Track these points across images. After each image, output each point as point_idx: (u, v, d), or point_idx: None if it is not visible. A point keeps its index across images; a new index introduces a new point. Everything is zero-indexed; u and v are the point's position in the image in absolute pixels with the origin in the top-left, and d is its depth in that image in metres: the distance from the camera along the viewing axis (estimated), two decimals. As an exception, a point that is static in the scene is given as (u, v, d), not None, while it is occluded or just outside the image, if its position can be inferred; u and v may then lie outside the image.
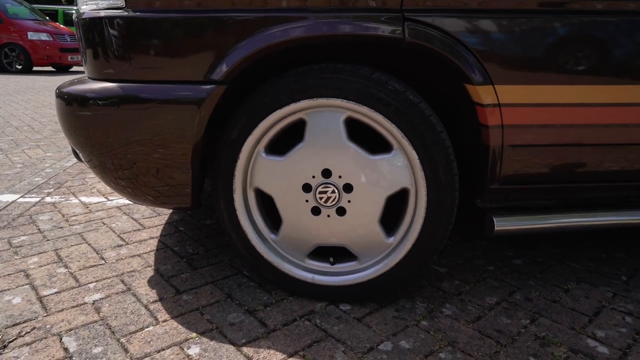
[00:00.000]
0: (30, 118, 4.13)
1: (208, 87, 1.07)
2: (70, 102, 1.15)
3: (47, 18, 11.56)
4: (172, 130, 1.10)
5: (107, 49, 1.08)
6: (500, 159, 1.17)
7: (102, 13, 1.08)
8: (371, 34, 1.05)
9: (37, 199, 1.99)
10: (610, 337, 1.14)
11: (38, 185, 2.18)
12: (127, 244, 1.58)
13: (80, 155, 1.24)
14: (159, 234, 1.67)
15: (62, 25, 11.68)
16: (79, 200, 2.00)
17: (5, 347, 1.02)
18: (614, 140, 1.18)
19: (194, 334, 1.09)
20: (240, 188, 1.21)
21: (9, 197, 2.00)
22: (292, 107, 1.12)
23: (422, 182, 1.12)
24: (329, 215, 1.19)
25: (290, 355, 1.03)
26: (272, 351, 1.04)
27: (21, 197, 2.01)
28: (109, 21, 1.06)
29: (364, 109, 1.09)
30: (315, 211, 1.19)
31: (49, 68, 11.13)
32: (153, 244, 1.59)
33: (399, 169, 1.13)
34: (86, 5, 1.13)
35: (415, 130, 1.08)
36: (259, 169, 1.20)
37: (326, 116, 1.13)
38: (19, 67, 10.02)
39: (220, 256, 1.51)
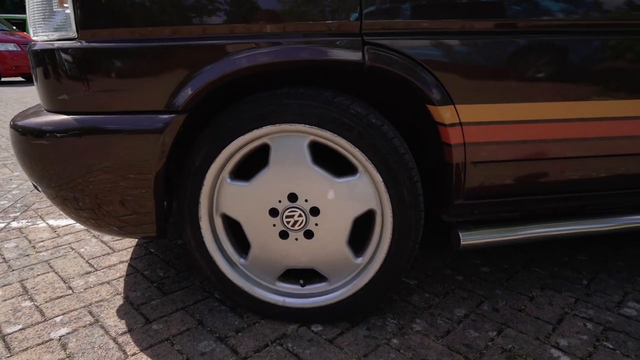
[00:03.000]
0: (-4, 135, 4.02)
1: (167, 116, 1.06)
2: (25, 135, 1.12)
3: (14, 28, 11.27)
4: (133, 161, 1.09)
5: (61, 80, 1.06)
6: (464, 175, 1.20)
7: (55, 44, 1.05)
8: (331, 58, 1.05)
9: (3, 225, 1.94)
10: (572, 345, 1.18)
11: (4, 209, 2.12)
12: (96, 270, 1.55)
13: (39, 187, 1.22)
14: (129, 257, 1.64)
15: (29, 35, 11.37)
16: (47, 223, 1.95)
17: (-34, 392, 1.00)
18: (572, 154, 1.21)
19: (164, 366, 1.09)
20: (206, 215, 1.20)
21: (-28, 224, 1.94)
22: (255, 133, 1.11)
23: (387, 203, 1.13)
24: (297, 239, 1.19)
25: (261, 384, 1.03)
26: (242, 380, 1.05)
27: (-14, 223, 1.96)
28: (62, 52, 1.04)
29: (327, 134, 1.09)
30: (283, 235, 1.19)
31: (19, 78, 10.83)
32: (123, 268, 1.56)
33: (364, 191, 1.14)
34: (37, 36, 1.11)
35: (379, 153, 1.09)
36: (224, 195, 1.20)
37: (290, 141, 1.13)
38: (-14, 78, 9.73)
39: (192, 279, 1.50)
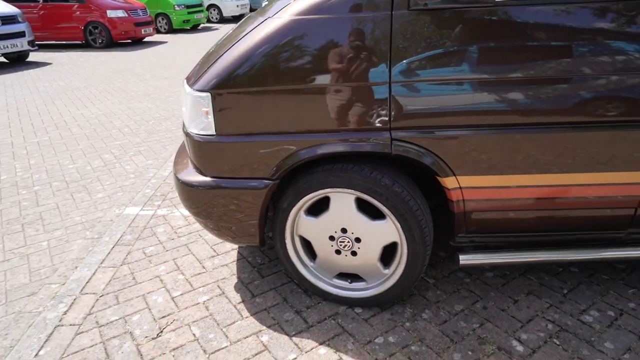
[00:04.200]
0: (126, 116, 5.03)
1: (268, 181, 1.73)
2: (185, 185, 1.86)
3: (120, -7, 12.49)
4: (249, 205, 1.78)
5: (205, 157, 1.76)
6: (463, 220, 1.76)
7: (202, 138, 1.74)
8: (370, 150, 1.64)
9: (152, 212, 2.81)
10: (529, 339, 1.74)
11: (150, 197, 3.00)
12: (218, 254, 2.35)
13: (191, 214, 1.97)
14: (237, 247, 2.42)
15: (134, 0, 12.58)
16: (180, 212, 2.79)
17: (162, 332, 1.82)
18: (537, 207, 1.71)
19: (264, 327, 1.84)
20: (289, 236, 1.89)
21: (133, 210, 2.84)
22: (320, 192, 1.75)
23: (404, 240, 1.74)
24: (346, 255, 1.85)
25: (321, 344, 1.75)
26: (310, 341, 1.76)
27: (141, 209, 2.84)
28: (206, 143, 1.73)
29: (365, 196, 1.70)
30: (337, 252, 1.86)
31: (127, 41, 12.13)
32: (234, 254, 2.34)
33: (390, 230, 1.75)
34: (191, 128, 1.80)
35: (398, 210, 1.69)
36: (301, 224, 1.87)
37: (343, 196, 1.76)
38: (101, 43, 11.14)
39: (279, 266, 2.23)
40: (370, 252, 1.82)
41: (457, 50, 1.50)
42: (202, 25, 15.87)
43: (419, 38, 1.50)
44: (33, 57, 10.00)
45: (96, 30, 11.05)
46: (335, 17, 1.53)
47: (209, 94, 1.66)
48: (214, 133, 1.72)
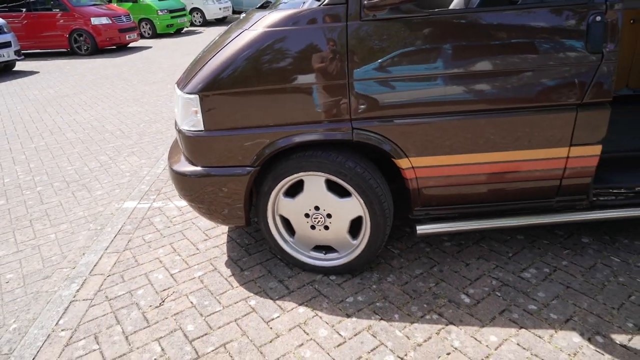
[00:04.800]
0: (118, 120, 5.28)
1: (251, 168, 2.03)
2: (179, 175, 2.15)
3: (104, 0, 12.66)
4: (234, 189, 2.08)
5: (196, 150, 2.06)
6: (418, 195, 2.08)
7: (192, 133, 2.04)
8: (336, 138, 1.95)
9: (148, 205, 3.09)
10: (475, 293, 2.07)
11: (145, 192, 3.28)
12: (210, 238, 2.64)
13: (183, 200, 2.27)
14: (226, 229, 2.71)
15: (116, 6, 12.75)
16: (174, 204, 3.08)
17: (163, 301, 2.12)
18: (481, 181, 2.04)
19: (252, 294, 2.14)
20: (271, 215, 2.20)
21: (130, 204, 3.12)
22: (295, 175, 2.06)
23: (367, 214, 2.05)
24: (320, 230, 2.16)
25: (300, 305, 2.06)
26: (291, 303, 2.07)
27: (138, 203, 3.13)
28: (197, 138, 2.02)
29: (333, 177, 2.01)
30: (312, 227, 2.17)
31: (112, 47, 12.27)
32: (224, 237, 2.64)
33: (355, 205, 2.06)
34: (183, 125, 2.09)
35: (360, 188, 2.00)
36: (280, 205, 2.17)
37: (315, 179, 2.07)
38: (87, 50, 11.31)
39: (264, 245, 2.54)
40: (340, 226, 2.13)
41: (402, 52, 1.82)
42: (185, 29, 16.07)
43: (370, 43, 1.82)
44: (20, 66, 10.16)
45: (81, 38, 11.22)
46: (301, 28, 1.83)
47: (197, 96, 1.96)
48: (203, 129, 2.01)
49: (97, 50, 11.39)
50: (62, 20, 11.15)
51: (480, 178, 2.05)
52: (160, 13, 14.21)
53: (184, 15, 15.19)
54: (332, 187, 2.09)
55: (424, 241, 2.50)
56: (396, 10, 1.79)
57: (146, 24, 14.38)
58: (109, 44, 11.51)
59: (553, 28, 1.82)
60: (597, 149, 1.98)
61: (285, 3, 2.13)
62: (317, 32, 1.83)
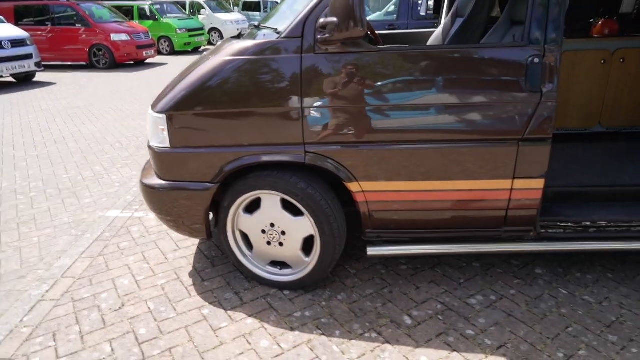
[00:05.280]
0: (119, 133, 5.52)
1: (211, 184, 2.17)
2: (147, 187, 2.30)
3: (125, 18, 13.22)
4: (195, 204, 2.22)
5: (163, 165, 2.21)
6: (369, 218, 2.19)
7: (159, 150, 2.19)
8: (291, 160, 2.08)
9: (130, 214, 3.25)
10: (418, 315, 2.15)
11: (129, 203, 3.45)
12: (180, 248, 2.78)
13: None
14: (197, 242, 2.84)
15: (137, 24, 13.30)
16: (154, 215, 3.23)
17: (123, 305, 2.24)
18: (428, 208, 2.14)
19: (207, 303, 2.25)
20: (230, 230, 2.32)
21: (114, 213, 3.28)
22: (252, 193, 2.19)
23: (317, 233, 2.16)
24: (275, 246, 2.28)
25: (249, 316, 2.16)
26: (241, 314, 2.18)
27: (121, 212, 3.29)
28: (164, 154, 2.18)
29: (286, 197, 2.14)
30: (269, 243, 2.29)
31: (130, 63, 12.73)
32: (194, 249, 2.77)
33: (307, 225, 2.18)
34: (152, 142, 2.25)
35: (311, 209, 2.12)
36: (240, 220, 2.30)
37: (271, 197, 2.19)
38: (105, 64, 11.78)
39: (228, 259, 2.66)
40: (293, 243, 2.24)
41: (351, 84, 1.96)
42: (202, 48, 16.58)
43: (322, 74, 1.96)
44: (39, 77, 10.61)
45: (100, 53, 11.70)
46: (260, 57, 1.99)
47: (164, 115, 2.12)
48: (169, 146, 2.17)
49: (115, 64, 11.84)
50: (84, 35, 11.66)
51: (429, 205, 2.15)
52: (179, 32, 14.73)
53: (202, 34, 15.71)
54: (287, 206, 2.21)
55: (381, 263, 2.59)
56: (347, 45, 1.94)
57: (165, 42, 14.90)
58: (127, 59, 11.97)
59: (496, 67, 1.94)
60: (539, 183, 2.08)
61: (259, 35, 2.31)
62: (275, 62, 1.98)
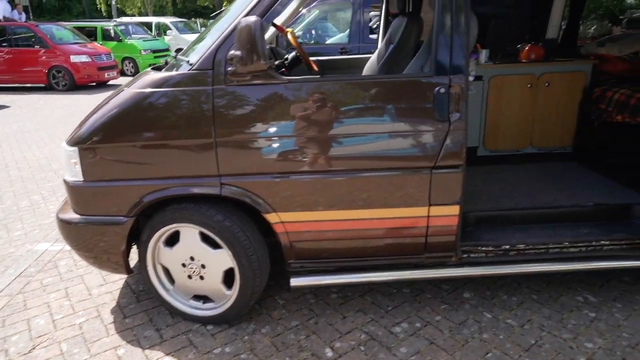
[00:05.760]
0: (66, 159, 5.36)
1: (126, 218, 2.11)
2: (63, 222, 2.22)
3: (87, 39, 13.03)
4: (111, 238, 2.15)
5: (78, 199, 2.14)
6: (290, 248, 2.16)
7: (75, 183, 2.12)
8: (206, 193, 2.05)
9: (60, 247, 3.14)
10: (341, 347, 2.12)
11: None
12: (107, 283, 2.68)
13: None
14: (126, 276, 2.76)
15: (100, 45, 13.13)
16: (86, 247, 3.12)
17: (34, 348, 2.14)
18: (349, 237, 2.14)
19: (124, 342, 2.17)
20: (151, 264, 2.26)
21: (43, 246, 3.16)
22: (171, 226, 2.14)
23: (236, 266, 2.13)
24: (196, 279, 2.23)
25: (167, 354, 2.09)
26: (159, 352, 2.11)
27: (51, 245, 3.17)
28: (77, 188, 2.11)
29: (203, 229, 2.10)
30: (189, 277, 2.23)
31: (91, 84, 12.49)
32: (121, 283, 2.68)
33: (226, 257, 2.14)
34: (67, 176, 2.18)
35: (229, 241, 2.08)
36: (161, 254, 2.24)
37: (190, 230, 2.15)
38: (64, 86, 11.54)
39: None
40: (214, 276, 2.20)
41: (263, 115, 1.96)
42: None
43: (233, 106, 1.95)
44: (-6, 100, 10.29)
45: (59, 74, 11.46)
46: (172, 89, 1.97)
47: (76, 149, 2.06)
48: (82, 179, 2.10)
49: (75, 86, 11.59)
50: (43, 57, 11.41)
51: (349, 234, 2.14)
52: (143, 53, 14.60)
53: (168, 55, 15.61)
54: (207, 238, 2.16)
55: (312, 292, 2.56)
56: (257, 77, 1.93)
57: (129, 63, 14.73)
58: (88, 81, 11.75)
59: (406, 97, 1.97)
60: (454, 209, 2.10)
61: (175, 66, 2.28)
62: (186, 95, 1.96)
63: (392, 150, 2.01)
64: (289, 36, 2.96)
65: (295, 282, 2.22)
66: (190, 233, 2.15)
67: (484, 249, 2.29)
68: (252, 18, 1.76)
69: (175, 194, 2.06)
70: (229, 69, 1.93)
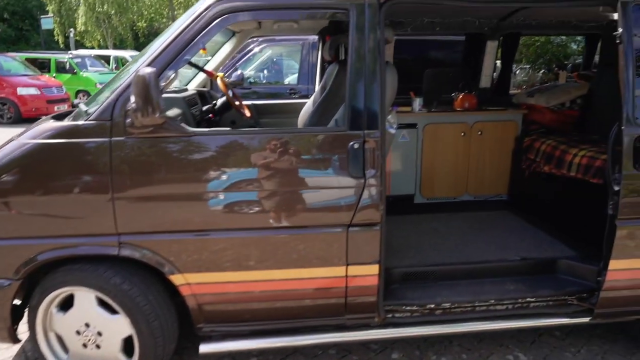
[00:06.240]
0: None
1: (10, 281, 1.88)
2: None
3: (39, 71, 12.63)
4: (-4, 304, 1.91)
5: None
6: (199, 312, 1.98)
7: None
8: (100, 253, 1.86)
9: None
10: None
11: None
12: (2, 348, 2.39)
13: None
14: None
15: (52, 77, 12.76)
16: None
17: None
18: (262, 299, 1.98)
19: None
20: (41, 331, 2.02)
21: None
22: (63, 289, 1.93)
23: (135, 333, 1.92)
24: (92, 348, 2.00)
25: None
26: None
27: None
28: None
29: (98, 294, 1.90)
30: (85, 346, 2.00)
31: (39, 117, 12.04)
32: (16, 348, 2.39)
33: (124, 323, 1.93)
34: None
35: (127, 307, 1.89)
36: (54, 320, 2.01)
37: (85, 293, 1.94)
38: (9, 119, 11.03)
39: None
40: (111, 345, 1.98)
41: (164, 170, 1.82)
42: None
43: (133, 160, 1.81)
44: None
45: (4, 106, 10.98)
46: (65, 141, 1.80)
47: (-44, 203, 1.85)
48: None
49: (21, 119, 11.11)
50: (-9, 89, 10.95)
51: (262, 295, 1.99)
52: (99, 86, 14.25)
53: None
54: (104, 302, 1.96)
55: (231, 356, 2.36)
56: (158, 129, 1.80)
57: (84, 96, 14.33)
58: (35, 115, 11.19)
59: (321, 151, 1.89)
60: (374, 269, 1.99)
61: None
62: (80, 147, 1.80)
63: (305, 207, 1.91)
64: (219, 81, 2.88)
65: (204, 348, 2.03)
66: (85, 297, 1.95)
67: (408, 308, 2.18)
68: (148, 69, 1.65)
69: (68, 255, 1.86)
70: (128, 120, 1.79)
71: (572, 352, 2.40)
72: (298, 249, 1.93)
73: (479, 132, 3.30)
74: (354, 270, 1.99)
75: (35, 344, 2.03)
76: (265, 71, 6.95)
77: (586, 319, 2.20)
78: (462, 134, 3.30)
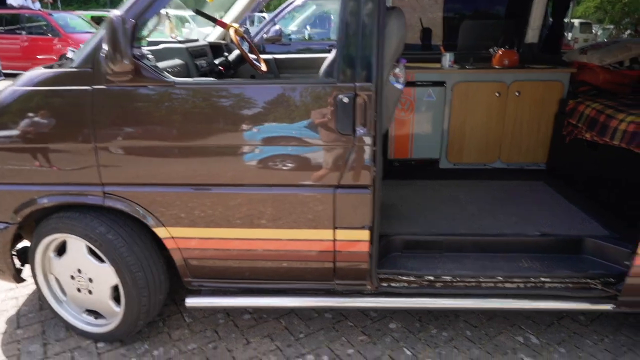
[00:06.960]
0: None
1: (7, 224, 1.95)
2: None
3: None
4: (-3, 245, 2.01)
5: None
6: (185, 266, 1.97)
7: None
8: (86, 202, 1.87)
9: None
10: (229, 379, 1.91)
11: None
12: (17, 287, 2.55)
13: None
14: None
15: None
16: None
17: None
18: (248, 257, 1.93)
19: (5, 358, 2.02)
20: (41, 274, 2.10)
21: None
22: (55, 235, 1.97)
23: (120, 282, 1.94)
24: (85, 293, 2.06)
25: (42, 374, 1.93)
26: (34, 370, 1.95)
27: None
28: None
29: (85, 242, 1.92)
30: (79, 290, 2.06)
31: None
32: (32, 287, 2.54)
33: (110, 272, 1.96)
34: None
35: (111, 256, 1.90)
36: (52, 264, 2.08)
37: (76, 240, 1.97)
38: (75, 74, 11.66)
39: (64, 301, 2.43)
40: (102, 291, 2.02)
41: (146, 120, 1.76)
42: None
43: (115, 109, 1.76)
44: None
45: (70, 63, 11.58)
46: (50, 89, 1.79)
47: (-42, 147, 1.92)
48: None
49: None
50: (59, 45, 11.58)
51: (246, 254, 1.94)
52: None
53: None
54: (94, 250, 1.99)
55: (225, 311, 2.36)
56: (140, 78, 1.73)
57: (144, 53, 14.81)
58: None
59: (307, 106, 1.74)
60: (364, 234, 1.86)
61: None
62: (64, 95, 1.78)
63: (291, 164, 1.79)
64: (231, 32, 2.75)
65: (190, 302, 2.03)
66: (76, 244, 1.98)
67: (404, 278, 2.04)
68: (117, 12, 1.56)
69: (56, 203, 1.89)
70: (109, 69, 1.73)
71: (594, 340, 2.16)
72: (285, 208, 1.83)
73: (517, 93, 2.96)
74: (342, 234, 1.86)
75: (36, 285, 2.12)
76: (309, 27, 6.71)
77: (608, 307, 1.94)
78: (497, 94, 2.97)
